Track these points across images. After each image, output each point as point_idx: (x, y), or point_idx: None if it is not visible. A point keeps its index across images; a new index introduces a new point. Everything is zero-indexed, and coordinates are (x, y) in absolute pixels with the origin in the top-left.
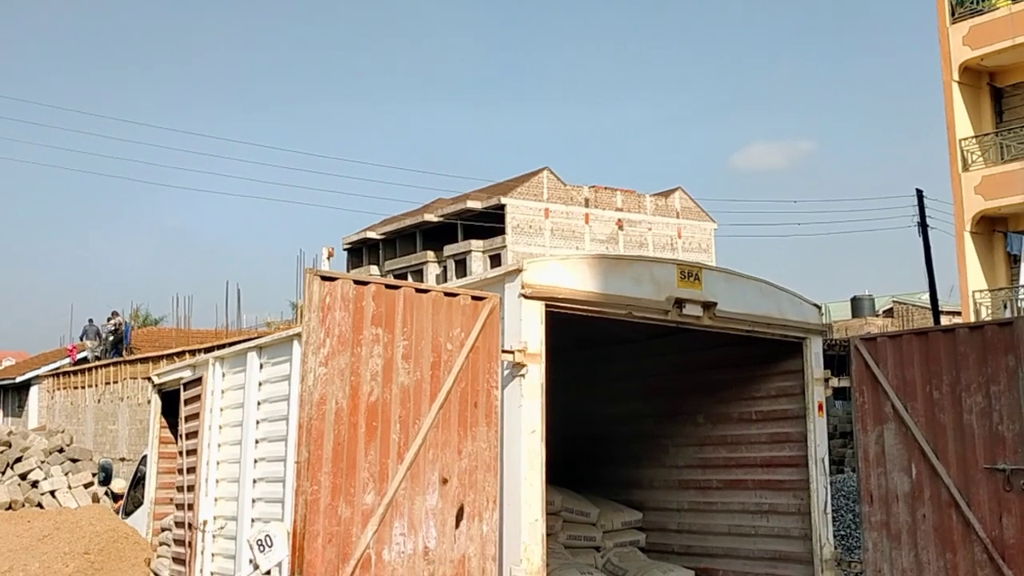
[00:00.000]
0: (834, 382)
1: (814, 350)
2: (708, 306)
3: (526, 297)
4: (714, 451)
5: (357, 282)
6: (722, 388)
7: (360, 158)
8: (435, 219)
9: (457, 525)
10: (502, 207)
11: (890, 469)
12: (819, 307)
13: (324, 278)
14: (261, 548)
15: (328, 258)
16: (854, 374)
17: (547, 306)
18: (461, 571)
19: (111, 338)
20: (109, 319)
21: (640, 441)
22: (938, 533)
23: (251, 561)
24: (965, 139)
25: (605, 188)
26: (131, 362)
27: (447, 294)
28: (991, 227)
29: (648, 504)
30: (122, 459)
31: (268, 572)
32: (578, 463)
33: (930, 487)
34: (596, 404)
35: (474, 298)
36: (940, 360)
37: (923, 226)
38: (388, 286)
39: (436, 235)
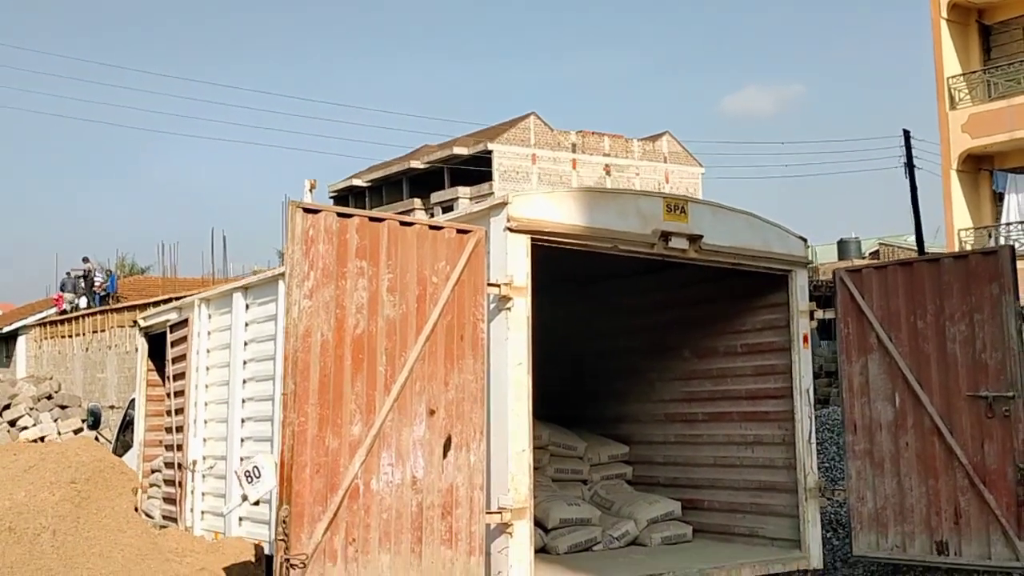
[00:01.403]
0: (819, 314)
1: (799, 282)
2: (694, 239)
3: (512, 231)
4: (700, 384)
5: (340, 214)
6: (708, 322)
7: (347, 105)
8: (422, 166)
9: (445, 455)
10: (489, 153)
11: (874, 399)
12: (804, 239)
13: (307, 210)
14: (249, 479)
15: (310, 190)
16: (839, 306)
17: (533, 240)
18: (449, 500)
19: (82, 283)
20: (82, 268)
21: (627, 377)
22: (921, 460)
23: (240, 493)
24: (953, 77)
25: (592, 133)
26: (118, 310)
27: (432, 227)
28: (977, 165)
29: (635, 438)
30: (111, 407)
31: (257, 502)
32: (566, 400)
33: (913, 415)
34: (583, 341)
35: (459, 231)
36: (924, 290)
37: (910, 167)
38: (372, 219)
39: (423, 182)
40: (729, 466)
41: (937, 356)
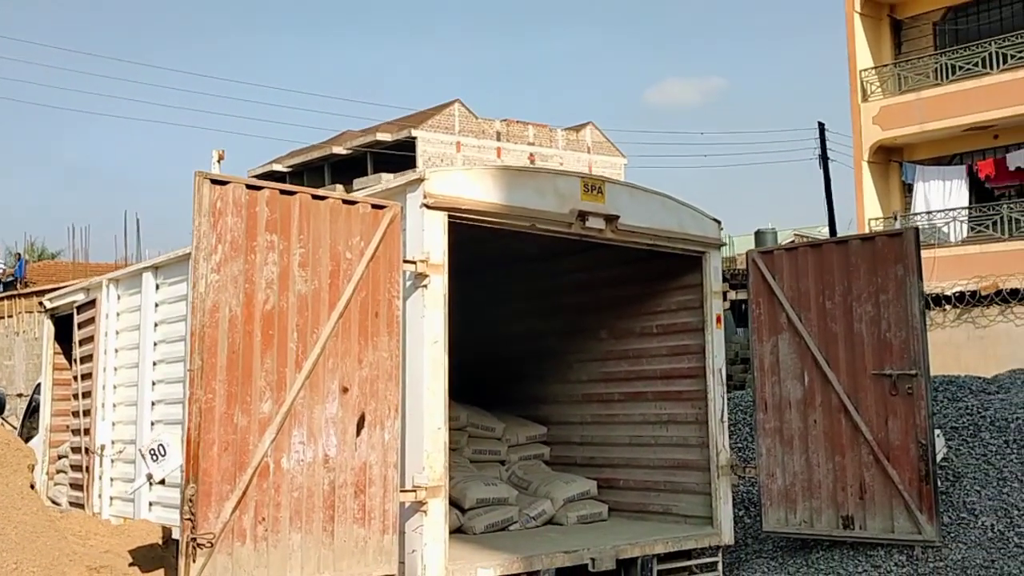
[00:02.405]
0: (732, 295)
1: (713, 264)
2: (611, 219)
3: (428, 207)
4: (616, 365)
5: (250, 186)
6: (624, 304)
7: (267, 86)
8: (344, 151)
9: (358, 433)
10: (413, 140)
11: (784, 377)
12: (718, 221)
13: (215, 181)
14: (154, 457)
15: (219, 161)
16: (751, 287)
17: (450, 217)
18: (362, 478)
19: None
20: None
21: (545, 358)
22: (828, 437)
23: (146, 472)
24: (865, 70)
25: (517, 122)
26: (26, 295)
27: (346, 202)
28: (888, 157)
29: (553, 419)
30: (19, 395)
31: (162, 481)
32: (487, 382)
33: (821, 393)
34: (503, 324)
35: (374, 206)
36: (833, 271)
37: (824, 158)
38: (283, 192)
39: (345, 168)
40: (644, 445)
41: (844, 335)
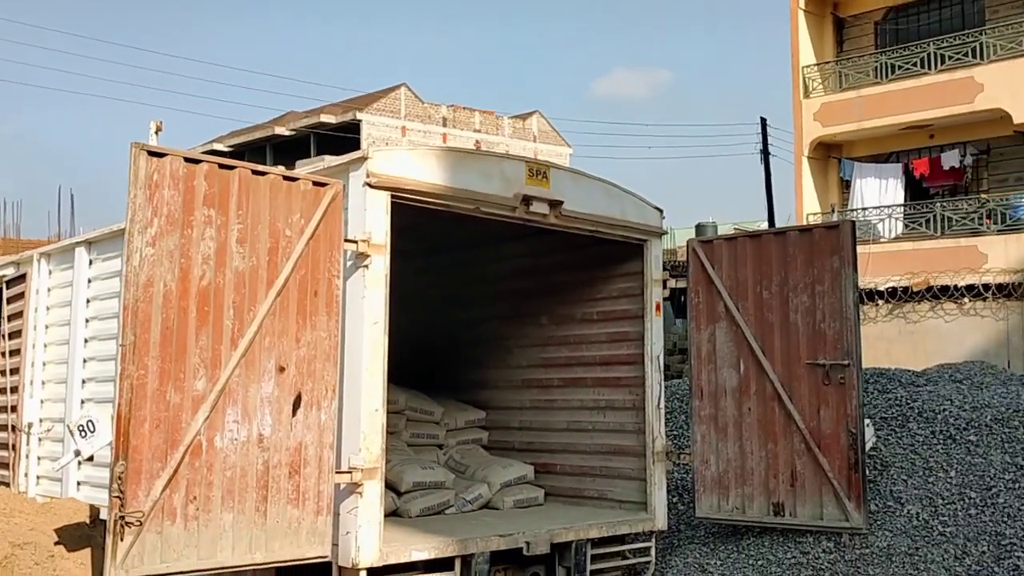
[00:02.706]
0: (672, 283)
1: (654, 252)
2: (555, 204)
3: (371, 186)
4: (556, 351)
5: (188, 160)
6: (566, 290)
7: (212, 67)
8: (287, 132)
9: (294, 413)
10: (358, 123)
11: (720, 365)
12: (660, 210)
13: (152, 153)
14: (83, 433)
15: (156, 132)
16: (691, 275)
17: (393, 197)
18: (297, 459)
19: None
20: None
21: (486, 343)
22: (761, 425)
23: (73, 448)
24: (808, 67)
25: (464, 108)
26: None
27: (286, 178)
28: (827, 153)
29: (492, 404)
30: None
31: (91, 458)
32: (428, 368)
33: (756, 382)
34: (446, 310)
35: (315, 184)
36: (771, 261)
37: (765, 153)
38: (222, 166)
39: (288, 149)
40: (581, 430)
41: (780, 325)
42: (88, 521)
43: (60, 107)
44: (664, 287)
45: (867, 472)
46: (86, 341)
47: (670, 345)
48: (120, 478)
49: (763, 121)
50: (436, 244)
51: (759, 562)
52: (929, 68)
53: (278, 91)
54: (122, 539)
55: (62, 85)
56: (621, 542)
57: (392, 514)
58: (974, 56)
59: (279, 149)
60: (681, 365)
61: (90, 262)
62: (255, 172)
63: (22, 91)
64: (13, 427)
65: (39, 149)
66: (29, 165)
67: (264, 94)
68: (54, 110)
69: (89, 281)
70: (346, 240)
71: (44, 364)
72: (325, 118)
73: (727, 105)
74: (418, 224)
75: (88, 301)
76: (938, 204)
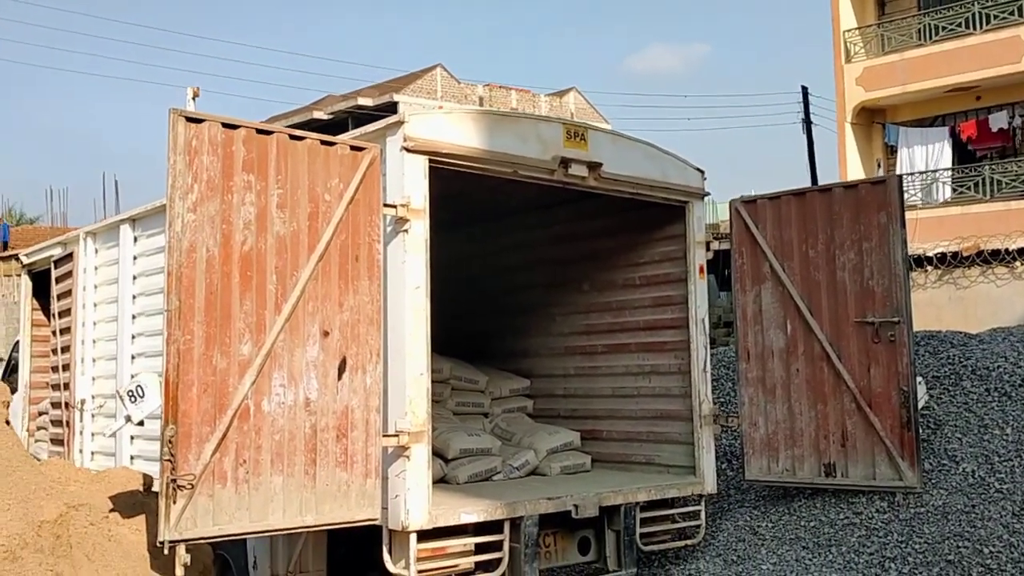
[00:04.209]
0: (715, 245)
1: (696, 214)
2: (593, 167)
3: (408, 151)
4: (599, 317)
5: (226, 125)
6: (607, 255)
7: (250, 54)
8: (325, 116)
9: (339, 377)
10: (394, 105)
11: (767, 327)
12: (702, 171)
13: (190, 119)
14: (133, 399)
15: (193, 98)
16: (734, 236)
17: (431, 161)
18: (344, 422)
19: None
20: None
21: (528, 312)
22: (810, 386)
23: (124, 414)
24: (849, 31)
25: (500, 87)
26: (4, 259)
27: (324, 143)
28: (871, 119)
29: (536, 372)
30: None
31: (141, 422)
32: (470, 337)
33: (804, 342)
34: (487, 279)
35: (353, 148)
36: (816, 220)
37: (807, 122)
38: (259, 131)
39: (326, 132)
40: (627, 396)
41: (827, 284)
42: (141, 489)
43: (102, 95)
44: (707, 249)
45: (920, 431)
46: (134, 317)
47: (714, 319)
48: (170, 442)
49: (804, 90)
50: (475, 214)
51: (811, 523)
52: (973, 28)
53: (317, 72)
54: (174, 502)
55: (104, 71)
56: (670, 506)
57: (440, 481)
58: (1019, 15)
59: (318, 132)
60: (727, 339)
61: (135, 239)
62: (292, 137)
63: (65, 80)
64: (66, 404)
65: (82, 137)
66: (73, 154)
67: (303, 76)
68: (96, 98)
69: (135, 258)
70: (385, 205)
71: (94, 341)
72: (363, 101)
73: (766, 76)
74: (457, 193)
75: (134, 278)
76: (987, 167)
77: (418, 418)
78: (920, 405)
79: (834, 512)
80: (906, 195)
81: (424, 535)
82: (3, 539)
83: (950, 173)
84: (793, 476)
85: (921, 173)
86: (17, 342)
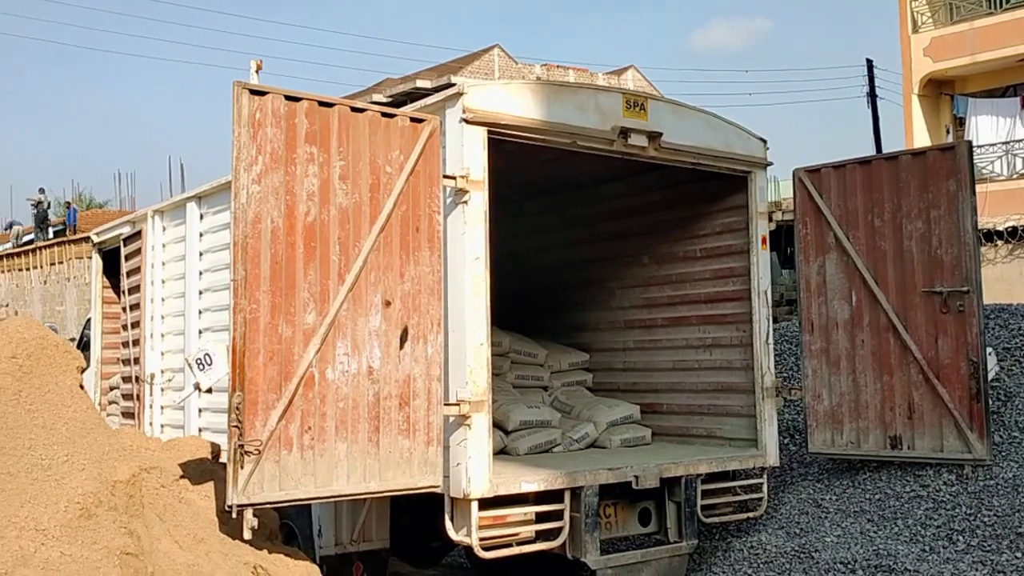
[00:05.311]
0: (778, 215)
1: (759, 184)
2: (653, 137)
3: (468, 122)
4: (659, 290)
5: (289, 97)
6: (667, 228)
7: (309, 36)
8: (384, 99)
9: (401, 347)
10: (452, 86)
11: (831, 298)
12: (764, 140)
13: (254, 92)
14: (201, 366)
15: (256, 71)
16: (798, 206)
17: (490, 132)
18: (406, 391)
19: (35, 212)
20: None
21: (587, 286)
22: (875, 357)
23: (193, 381)
24: (915, 0)
25: (557, 66)
26: (75, 242)
27: (384, 115)
28: (938, 90)
29: (595, 346)
30: (71, 339)
31: (210, 389)
32: (528, 313)
33: (869, 313)
34: (544, 254)
35: (413, 120)
36: (882, 188)
37: (872, 96)
38: (321, 103)
39: None
40: (687, 369)
41: (894, 253)
42: (210, 457)
43: (165, 79)
44: (770, 220)
45: (990, 402)
46: (201, 293)
47: (776, 296)
48: (238, 408)
49: (869, 63)
50: (535, 188)
51: (876, 496)
52: None
53: (376, 53)
54: (242, 467)
55: (167, 55)
56: (732, 478)
57: (500, 452)
58: None
59: None
60: (789, 317)
61: (201, 216)
62: (354, 109)
63: (129, 64)
64: (136, 378)
65: (147, 122)
66: (139, 139)
67: (362, 58)
68: (160, 82)
69: (201, 235)
70: (445, 176)
71: (163, 317)
72: (421, 83)
73: (829, 50)
74: (516, 166)
75: (201, 254)
76: None
77: (479, 387)
78: (990, 377)
79: (900, 485)
80: (976, 167)
81: (485, 503)
82: (79, 497)
83: (1022, 145)
84: (858, 448)
85: (991, 145)
86: (89, 320)
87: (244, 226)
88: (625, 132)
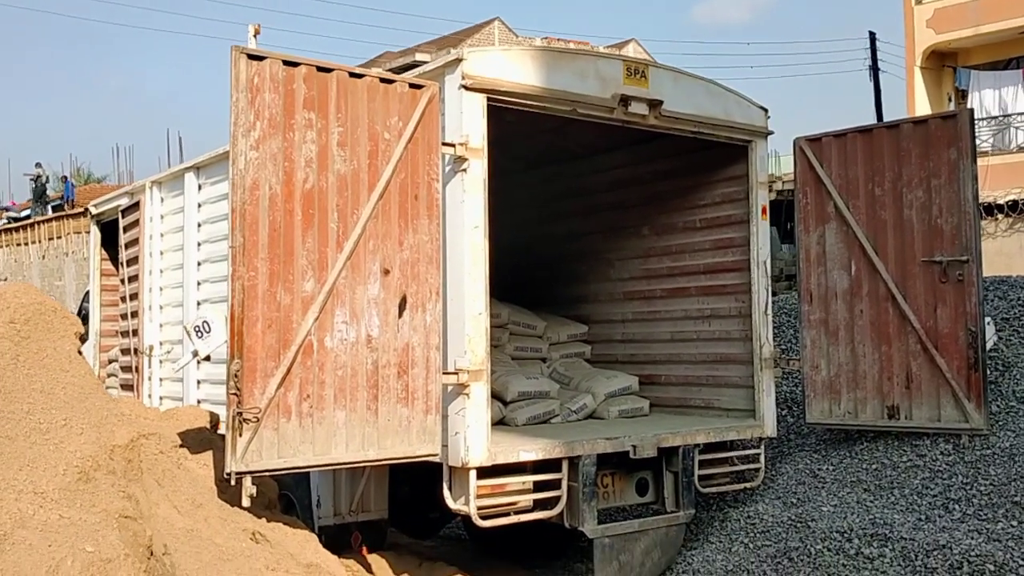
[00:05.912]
0: (778, 185)
1: (759, 153)
2: (654, 105)
3: (467, 89)
4: (658, 262)
5: (287, 62)
6: (666, 198)
7: (308, 7)
8: (383, 73)
9: (400, 315)
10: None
11: (830, 268)
12: (765, 109)
13: (252, 56)
14: (199, 333)
15: (255, 35)
16: (798, 175)
17: (489, 99)
18: (405, 359)
19: (34, 187)
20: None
21: (586, 258)
22: (874, 327)
23: (191, 349)
24: None
25: (558, 39)
26: (74, 216)
27: (383, 80)
28: (941, 62)
29: (594, 317)
30: None
31: (208, 357)
32: (527, 285)
33: (868, 283)
34: (543, 225)
35: (412, 86)
36: (883, 157)
37: (874, 69)
38: (320, 68)
39: None
40: (686, 340)
41: (893, 223)
42: (209, 427)
43: (165, 52)
44: (770, 190)
45: (988, 372)
46: (199, 264)
47: (776, 271)
48: (236, 376)
49: (872, 35)
50: (534, 158)
51: (873, 466)
52: None
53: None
54: (240, 435)
55: (166, 26)
56: (729, 448)
57: (499, 423)
58: None
59: None
60: (788, 292)
61: (199, 186)
62: (352, 75)
63: (125, 36)
64: (135, 350)
65: (145, 95)
66: (137, 112)
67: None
68: (157, 54)
69: (199, 205)
70: (443, 144)
71: (161, 289)
72: (420, 57)
73: (832, 22)
74: (516, 137)
75: (199, 225)
76: None
77: (477, 356)
78: (988, 347)
79: (897, 455)
80: (977, 141)
81: (483, 472)
82: (77, 461)
83: (1023, 118)
84: (855, 419)
85: (993, 118)
86: (87, 293)
87: (242, 192)
88: (626, 100)
